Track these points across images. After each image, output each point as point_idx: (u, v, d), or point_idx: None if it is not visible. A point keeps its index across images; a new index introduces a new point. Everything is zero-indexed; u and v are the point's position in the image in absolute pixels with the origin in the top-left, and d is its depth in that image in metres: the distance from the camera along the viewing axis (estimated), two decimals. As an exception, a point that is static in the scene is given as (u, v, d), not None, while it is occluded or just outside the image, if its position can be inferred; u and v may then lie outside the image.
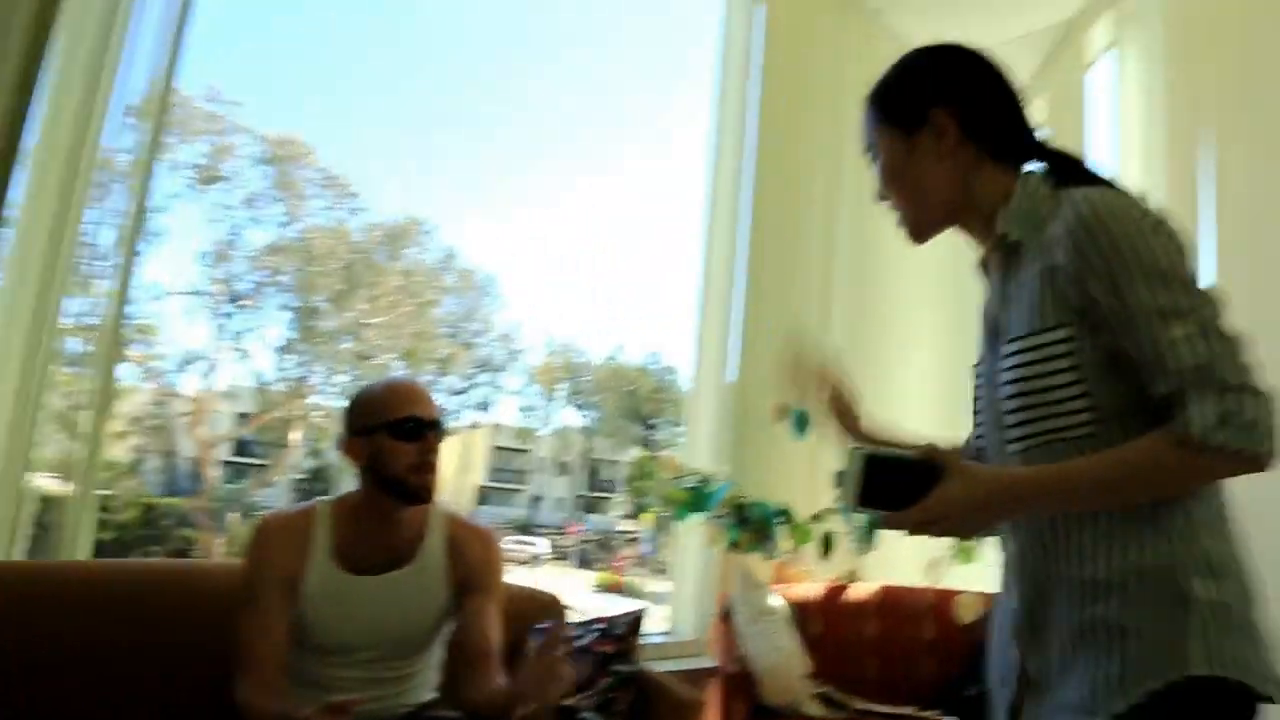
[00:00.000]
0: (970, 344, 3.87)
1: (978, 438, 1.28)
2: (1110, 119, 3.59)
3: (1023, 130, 1.24)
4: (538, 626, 2.35)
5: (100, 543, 2.28)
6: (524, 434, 32.95)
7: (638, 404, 31.80)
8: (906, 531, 1.08)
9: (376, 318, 21.80)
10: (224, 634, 1.73)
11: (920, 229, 1.29)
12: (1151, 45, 3.27)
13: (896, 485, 1.05)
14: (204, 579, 2.07)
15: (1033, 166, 1.22)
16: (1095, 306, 1.05)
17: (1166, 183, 3.07)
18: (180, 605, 1.97)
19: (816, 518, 3.16)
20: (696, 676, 2.79)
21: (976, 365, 1.29)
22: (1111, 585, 1.05)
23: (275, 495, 22.40)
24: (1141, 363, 1.03)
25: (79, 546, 2.18)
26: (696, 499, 2.94)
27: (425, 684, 1.90)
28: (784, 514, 3.07)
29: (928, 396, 4.08)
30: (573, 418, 33.35)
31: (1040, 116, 4.27)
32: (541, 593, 2.63)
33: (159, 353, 19.33)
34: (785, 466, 3.38)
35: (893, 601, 3.03)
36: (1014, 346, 1.13)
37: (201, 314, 20.16)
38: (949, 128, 1.21)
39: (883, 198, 1.30)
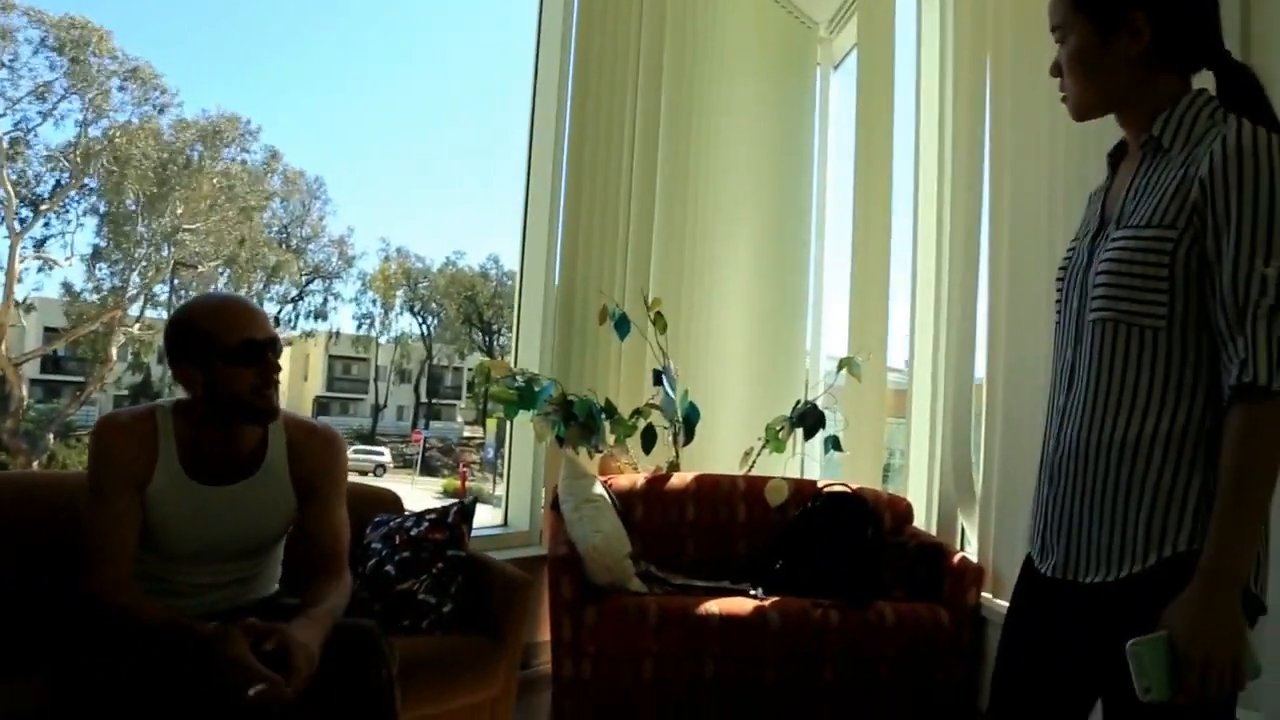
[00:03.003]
0: (791, 239, 4.09)
1: (1057, 302, 1.39)
2: (915, 41, 3.83)
3: (1209, 40, 1.28)
4: (377, 519, 2.49)
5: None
6: (362, 342, 32.13)
7: (479, 309, 31.47)
8: (1211, 690, 1.09)
9: (195, 223, 20.48)
10: (64, 541, 1.75)
11: (1085, 112, 1.35)
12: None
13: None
14: (41, 488, 2.08)
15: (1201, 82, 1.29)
16: (1209, 220, 1.14)
17: (955, 103, 3.35)
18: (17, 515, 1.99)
19: (638, 413, 3.38)
20: (531, 564, 2.97)
21: (1072, 243, 1.39)
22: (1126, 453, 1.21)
23: (96, 414, 21.10)
24: (1222, 282, 1.12)
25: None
26: (524, 397, 3.09)
27: (271, 578, 1.97)
28: (608, 410, 3.27)
29: (746, 283, 4.33)
30: (412, 325, 32.77)
31: (854, 35, 4.51)
32: (381, 490, 2.77)
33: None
34: (609, 366, 3.58)
35: (709, 488, 3.28)
36: (1126, 233, 1.22)
37: (-9, 219, 18.55)
38: (1145, 34, 1.25)
39: (1056, 74, 1.36)
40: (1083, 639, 1.25)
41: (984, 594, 2.89)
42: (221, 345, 1.70)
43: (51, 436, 18.63)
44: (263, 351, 1.73)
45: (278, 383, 1.78)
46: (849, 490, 3.23)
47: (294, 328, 26.91)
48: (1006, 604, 2.74)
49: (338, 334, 29.90)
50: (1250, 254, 1.10)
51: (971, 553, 3.04)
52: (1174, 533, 1.16)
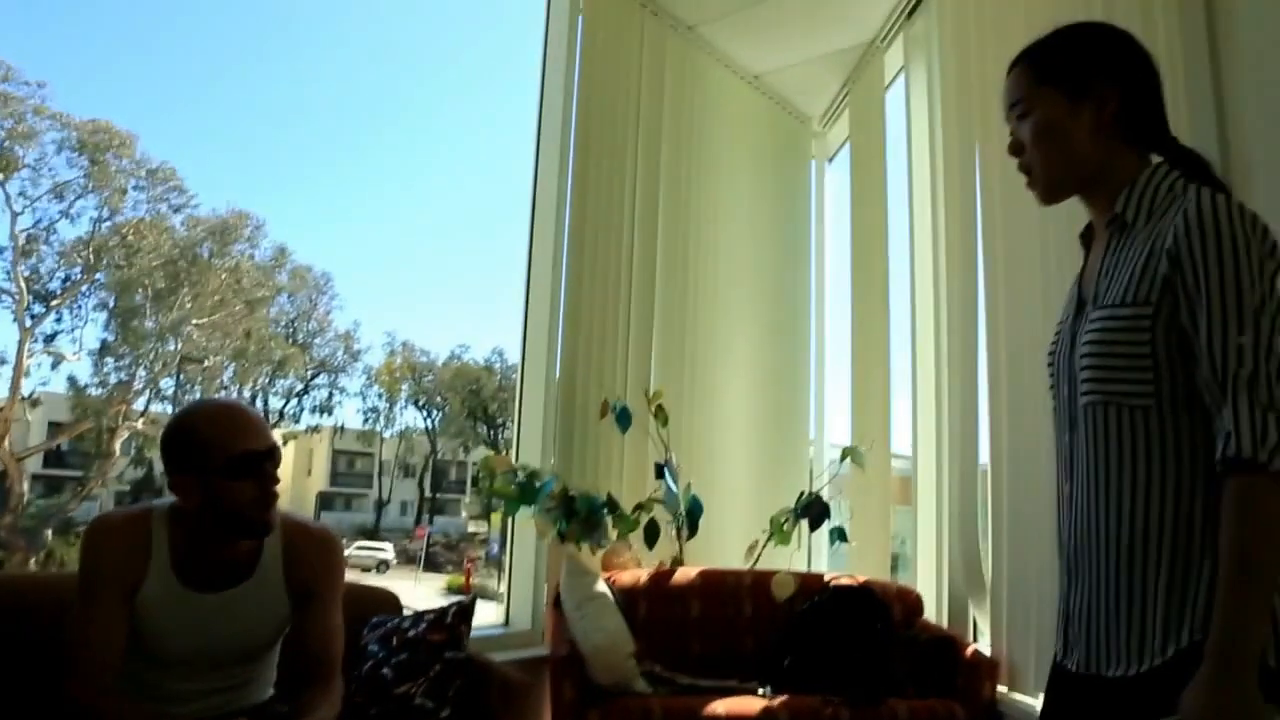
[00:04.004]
0: (791, 330, 4.09)
1: (1051, 387, 1.39)
2: (905, 132, 3.92)
3: (1162, 122, 1.32)
4: (374, 620, 2.43)
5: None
6: (367, 437, 32.08)
7: (483, 403, 31.50)
8: None
9: (203, 317, 20.72)
10: (53, 644, 1.70)
11: (1052, 191, 1.36)
12: (933, 66, 3.60)
13: None
14: (33, 590, 2.05)
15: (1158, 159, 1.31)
16: (1181, 293, 1.14)
17: (946, 192, 3.40)
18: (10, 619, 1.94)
19: (640, 507, 3.34)
20: (533, 665, 2.90)
21: (1059, 325, 1.39)
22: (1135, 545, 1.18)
23: (97, 510, 20.99)
24: (1202, 355, 1.12)
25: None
26: (525, 493, 3.05)
27: (265, 684, 1.92)
28: (610, 505, 3.23)
29: (747, 375, 4.34)
30: (417, 419, 32.78)
31: (847, 129, 4.62)
32: (379, 590, 2.71)
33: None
34: (610, 459, 3.55)
35: (714, 583, 3.21)
36: (1102, 314, 1.23)
37: (3, 315, 18.83)
38: (1112, 103, 1.28)
39: (1017, 153, 1.37)
40: None
41: (999, 688, 2.80)
42: (220, 456, 1.66)
43: (50, 533, 18.49)
44: (261, 463, 1.70)
45: (276, 495, 1.74)
46: (857, 583, 3.17)
47: (298, 422, 26.95)
48: (1023, 698, 2.68)
49: (342, 428, 29.92)
50: (1223, 324, 1.10)
51: (985, 645, 2.96)
52: (1189, 621, 1.14)
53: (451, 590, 23.35)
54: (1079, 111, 1.30)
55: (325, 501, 32.39)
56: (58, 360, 19.57)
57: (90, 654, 1.64)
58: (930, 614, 3.29)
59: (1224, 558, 1.09)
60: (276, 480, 1.74)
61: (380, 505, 32.87)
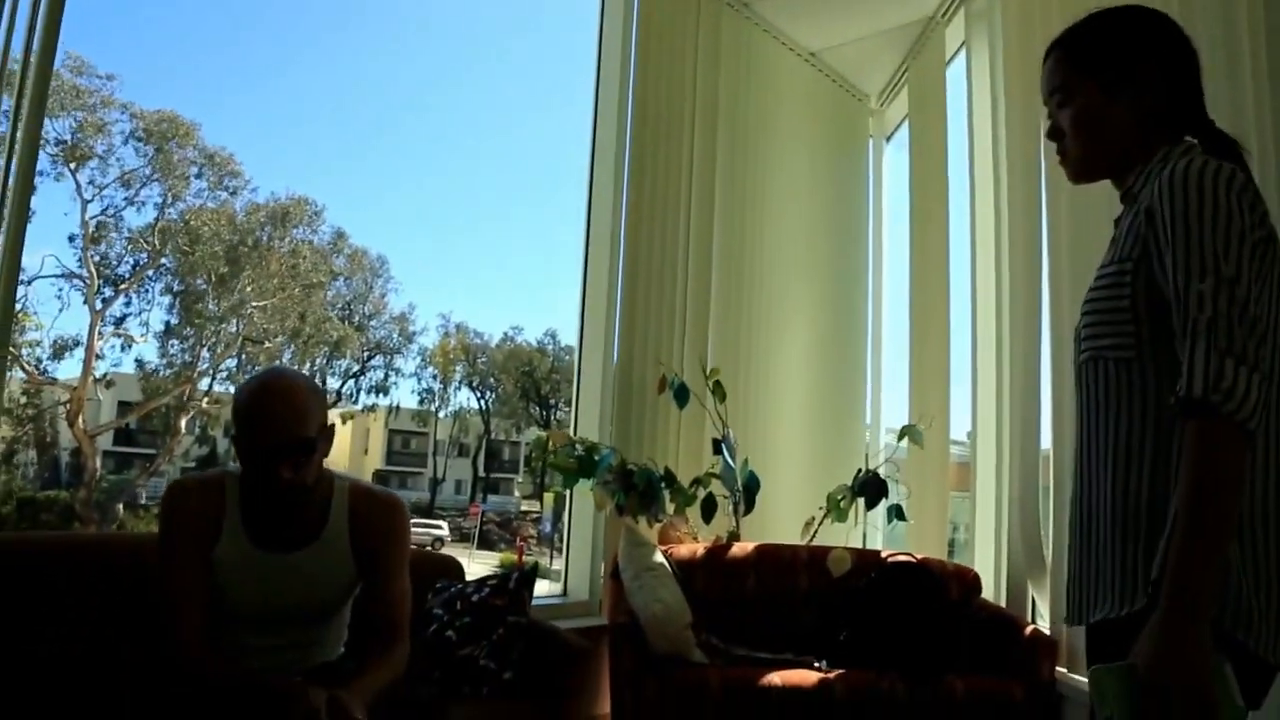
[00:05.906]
0: (848, 309, 4.04)
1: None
2: (966, 109, 3.87)
3: (1198, 105, 1.34)
4: (438, 585, 2.50)
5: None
6: (422, 417, 32.56)
7: (536, 384, 31.75)
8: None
9: (263, 300, 21.18)
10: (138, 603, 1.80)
11: (1088, 171, 1.39)
12: (995, 41, 3.54)
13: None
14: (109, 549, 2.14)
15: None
16: (1154, 247, 1.18)
17: (1008, 169, 3.35)
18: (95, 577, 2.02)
19: (698, 482, 3.37)
20: (591, 634, 2.95)
21: None
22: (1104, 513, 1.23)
23: (164, 486, 21.64)
24: (1171, 305, 1.15)
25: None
26: (584, 466, 3.10)
27: (335, 642, 1.99)
28: (667, 479, 3.27)
29: (804, 353, 4.34)
30: (470, 399, 33.16)
31: (905, 106, 4.57)
32: (443, 556, 2.79)
33: (30, 339, 18.46)
34: (668, 435, 3.58)
35: (770, 557, 3.23)
36: (1099, 273, 1.29)
37: (75, 298, 19.42)
38: (1154, 87, 1.31)
39: (1056, 138, 1.41)
40: None
41: (1059, 668, 2.78)
42: (242, 440, 1.75)
43: (121, 507, 19.13)
44: (276, 458, 1.70)
45: (291, 479, 1.71)
46: (914, 560, 3.16)
47: (355, 402, 27.44)
48: (1083, 678, 2.66)
49: (398, 408, 30.39)
50: (1185, 271, 1.12)
51: (1044, 625, 2.94)
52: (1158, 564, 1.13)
53: (504, 567, 23.62)
54: (1117, 99, 1.33)
55: (381, 479, 32.92)
56: (127, 342, 20.16)
57: (179, 608, 1.73)
58: (988, 597, 3.27)
59: (1179, 502, 1.09)
60: (290, 470, 1.71)
61: (435, 484, 33.37)
